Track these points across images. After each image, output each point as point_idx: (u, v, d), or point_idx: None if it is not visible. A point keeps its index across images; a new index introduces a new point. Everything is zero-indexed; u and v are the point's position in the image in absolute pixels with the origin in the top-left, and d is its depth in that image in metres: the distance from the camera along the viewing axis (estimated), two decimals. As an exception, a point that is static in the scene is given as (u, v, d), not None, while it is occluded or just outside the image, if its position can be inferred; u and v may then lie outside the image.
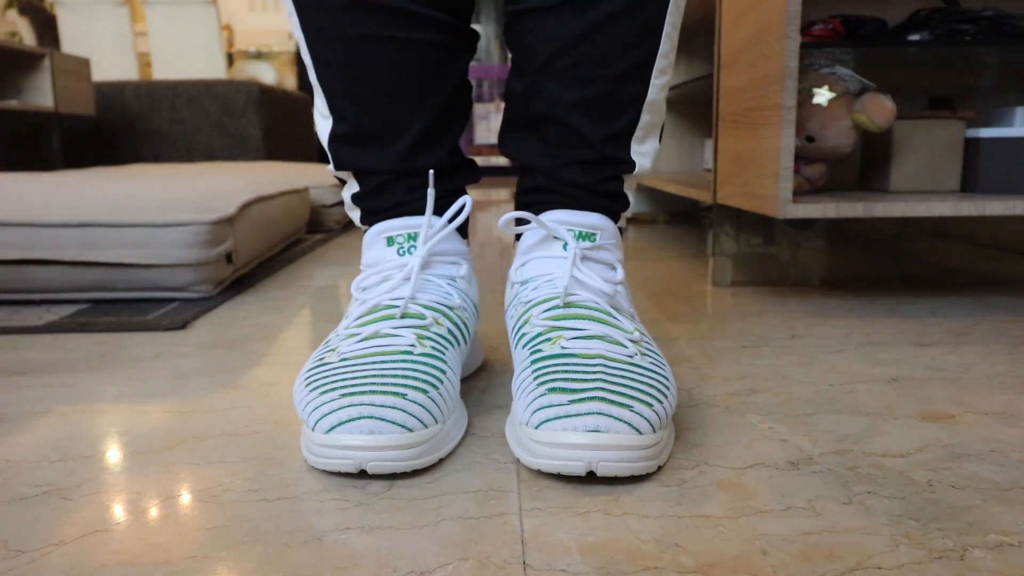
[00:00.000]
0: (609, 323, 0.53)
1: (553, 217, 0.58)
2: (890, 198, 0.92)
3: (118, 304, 0.98)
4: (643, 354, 0.51)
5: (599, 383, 0.46)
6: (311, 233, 1.75)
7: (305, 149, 3.27)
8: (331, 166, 0.62)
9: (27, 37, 3.79)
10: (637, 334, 0.53)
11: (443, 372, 0.51)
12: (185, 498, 0.44)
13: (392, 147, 0.59)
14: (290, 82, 4.74)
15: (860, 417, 0.55)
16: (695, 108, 1.93)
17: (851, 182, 1.09)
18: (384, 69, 0.57)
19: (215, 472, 0.47)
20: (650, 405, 0.46)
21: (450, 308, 0.57)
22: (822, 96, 0.92)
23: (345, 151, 0.60)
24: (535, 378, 0.48)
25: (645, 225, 1.90)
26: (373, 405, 0.45)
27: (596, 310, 0.54)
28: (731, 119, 1.04)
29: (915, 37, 0.96)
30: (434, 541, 0.39)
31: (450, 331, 0.56)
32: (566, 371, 0.48)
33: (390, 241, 0.59)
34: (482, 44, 5.66)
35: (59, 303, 0.98)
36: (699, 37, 1.85)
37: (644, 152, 0.60)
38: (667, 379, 0.50)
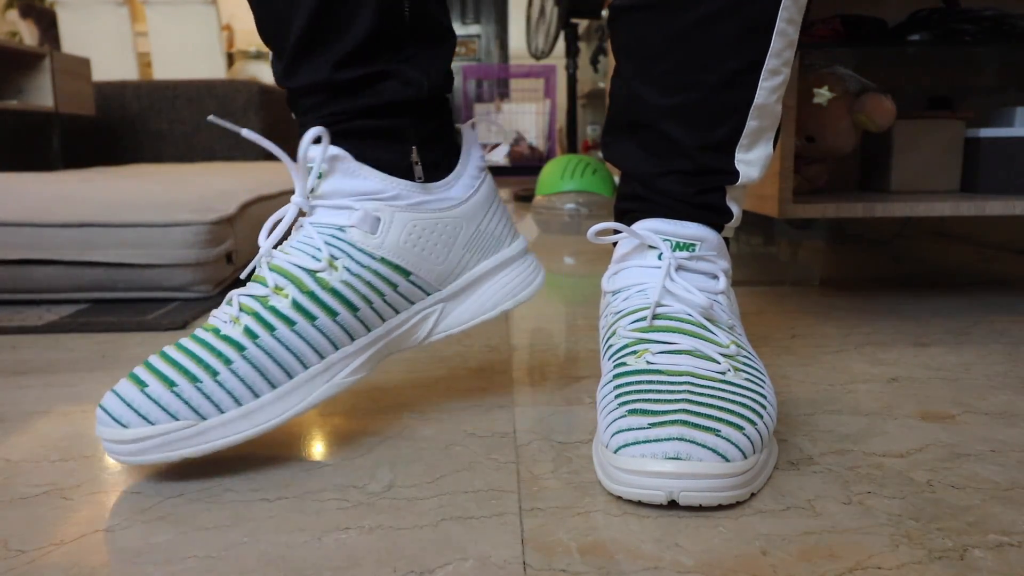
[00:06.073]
0: (701, 336, 0.49)
1: (647, 226, 0.54)
2: (890, 198, 0.92)
3: (118, 304, 0.98)
4: (737, 369, 0.47)
5: (683, 404, 0.43)
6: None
7: (305, 149, 3.26)
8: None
9: (27, 37, 3.79)
10: (733, 347, 0.49)
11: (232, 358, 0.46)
12: (185, 498, 0.44)
13: (280, 52, 0.52)
14: (290, 82, 4.73)
15: (860, 417, 0.55)
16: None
17: (851, 182, 1.09)
18: None
19: (215, 472, 0.47)
20: (740, 428, 0.42)
21: (310, 272, 0.48)
22: (822, 96, 0.92)
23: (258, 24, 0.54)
24: (616, 396, 0.46)
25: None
26: None
27: (688, 322, 0.50)
28: (731, 119, 1.04)
29: (915, 37, 0.96)
30: (434, 541, 0.39)
31: (296, 302, 0.47)
32: (648, 390, 0.45)
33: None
34: (482, 44, 5.65)
35: (59, 303, 0.98)
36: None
37: (751, 161, 0.54)
38: (763, 396, 0.46)
